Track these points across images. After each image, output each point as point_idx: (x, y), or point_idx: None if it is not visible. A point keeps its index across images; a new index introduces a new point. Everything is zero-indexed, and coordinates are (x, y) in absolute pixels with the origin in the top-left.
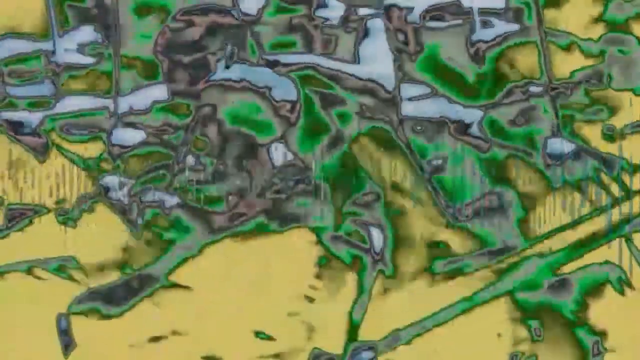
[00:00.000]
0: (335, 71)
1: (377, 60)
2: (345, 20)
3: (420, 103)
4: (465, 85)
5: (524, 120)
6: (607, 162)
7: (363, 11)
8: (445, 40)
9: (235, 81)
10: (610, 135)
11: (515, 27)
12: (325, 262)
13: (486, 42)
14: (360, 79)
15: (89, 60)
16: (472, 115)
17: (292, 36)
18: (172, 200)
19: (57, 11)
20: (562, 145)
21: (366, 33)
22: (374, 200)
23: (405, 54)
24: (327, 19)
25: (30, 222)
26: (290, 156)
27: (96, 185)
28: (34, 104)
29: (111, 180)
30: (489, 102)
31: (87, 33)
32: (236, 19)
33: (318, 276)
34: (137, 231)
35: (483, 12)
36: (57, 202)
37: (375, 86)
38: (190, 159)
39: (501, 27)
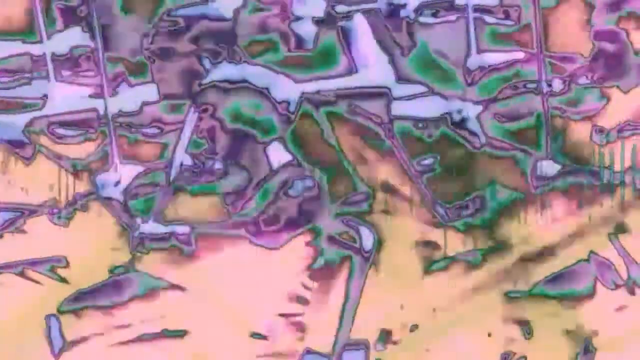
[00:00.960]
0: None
1: (373, 63)
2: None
3: (415, 102)
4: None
5: (517, 117)
6: (595, 175)
7: (341, 8)
8: (439, 37)
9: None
10: (601, 137)
11: (519, 55)
12: (318, 262)
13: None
14: (366, 89)
15: (84, 90)
16: (468, 111)
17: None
18: (184, 229)
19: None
20: (550, 168)
21: (352, 34)
22: (364, 200)
23: (398, 51)
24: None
25: (24, 223)
26: (288, 156)
27: (89, 183)
28: (24, 106)
29: (105, 178)
30: (484, 98)
31: (75, 35)
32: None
33: (311, 276)
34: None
35: (477, 9)
36: (47, 202)
37: (376, 90)
38: (187, 159)
39: (502, 53)
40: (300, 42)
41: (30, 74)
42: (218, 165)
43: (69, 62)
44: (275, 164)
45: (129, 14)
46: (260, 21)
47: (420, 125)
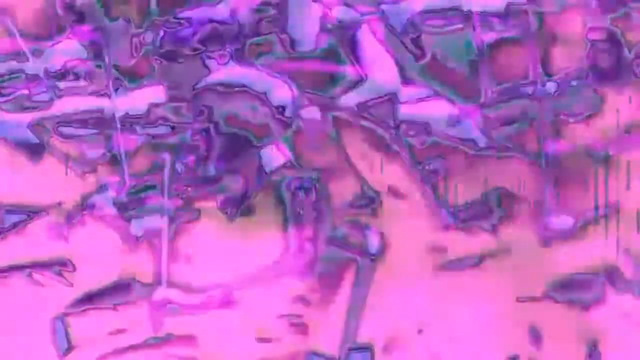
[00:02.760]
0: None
1: (380, 68)
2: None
3: (419, 105)
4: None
5: (515, 119)
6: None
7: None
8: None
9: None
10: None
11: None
12: (322, 264)
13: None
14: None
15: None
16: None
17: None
18: (218, 293)
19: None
20: (564, 223)
21: (356, 39)
22: (369, 202)
23: (404, 52)
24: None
25: (29, 224)
26: (283, 158)
27: (85, 200)
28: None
29: (101, 198)
30: (482, 101)
31: (67, 48)
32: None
33: (316, 280)
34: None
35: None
36: (52, 205)
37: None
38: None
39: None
40: (300, 44)
41: (29, 90)
42: (212, 172)
43: (64, 76)
44: (271, 167)
45: (113, 20)
46: (260, 22)
47: (411, 132)
